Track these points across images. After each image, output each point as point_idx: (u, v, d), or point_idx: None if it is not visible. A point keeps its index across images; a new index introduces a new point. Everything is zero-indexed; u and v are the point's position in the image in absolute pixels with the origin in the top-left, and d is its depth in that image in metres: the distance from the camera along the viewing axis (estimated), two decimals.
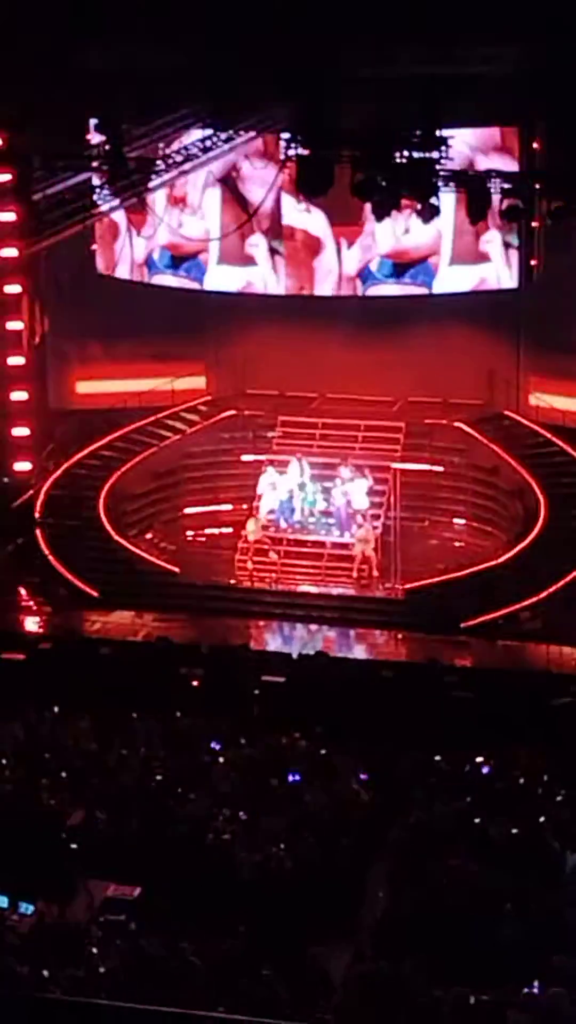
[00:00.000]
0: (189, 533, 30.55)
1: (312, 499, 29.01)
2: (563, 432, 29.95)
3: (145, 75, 24.44)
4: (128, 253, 30.35)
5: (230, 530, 29.75)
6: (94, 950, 15.18)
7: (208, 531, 30.45)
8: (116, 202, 24.58)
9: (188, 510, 31.00)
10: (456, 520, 30.23)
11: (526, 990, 14.50)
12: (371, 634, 26.71)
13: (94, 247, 30.31)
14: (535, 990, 14.47)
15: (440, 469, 30.14)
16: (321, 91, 21.25)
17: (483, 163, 26.67)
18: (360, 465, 29.20)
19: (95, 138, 24.44)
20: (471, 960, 15.38)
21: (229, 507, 30.72)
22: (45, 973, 14.41)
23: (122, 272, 30.57)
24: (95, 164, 22.66)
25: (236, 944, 15.29)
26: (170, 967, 14.78)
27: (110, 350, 31.66)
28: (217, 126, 23.95)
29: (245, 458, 30.64)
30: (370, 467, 29.20)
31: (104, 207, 24.42)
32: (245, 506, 29.56)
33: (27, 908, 16.00)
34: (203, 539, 30.39)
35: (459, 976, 14.72)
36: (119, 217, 29.42)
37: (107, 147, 22.22)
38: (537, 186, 23.75)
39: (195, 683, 22.39)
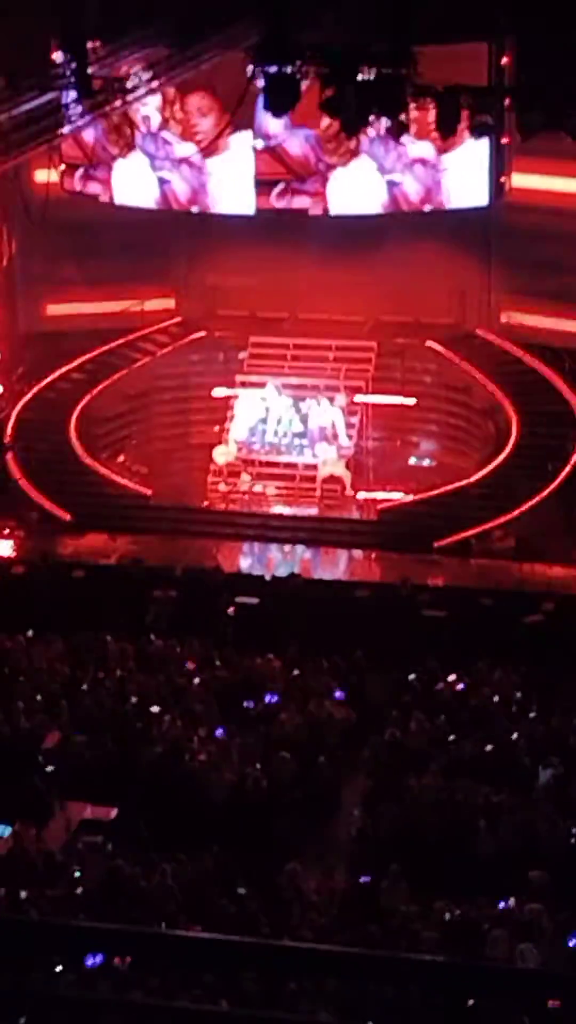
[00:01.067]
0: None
1: (287, 421, 28.91)
2: (534, 350, 29.86)
3: None
4: (96, 173, 29.98)
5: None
6: (72, 872, 15.30)
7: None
8: (83, 121, 24.24)
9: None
10: (423, 443, 30.29)
11: (502, 905, 14.68)
12: (345, 554, 26.72)
13: (62, 167, 29.91)
14: (511, 905, 14.65)
15: (413, 402, 30.12)
16: (287, 7, 20.94)
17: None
18: (332, 385, 29.10)
19: (59, 57, 24.04)
20: (447, 876, 15.54)
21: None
22: (23, 894, 14.53)
23: (90, 192, 30.18)
24: (60, 83, 22.35)
25: (211, 862, 15.41)
26: (146, 887, 14.90)
27: (80, 272, 31.33)
28: (182, 44, 23.60)
29: (216, 392, 30.35)
30: (343, 387, 29.12)
31: (69, 127, 24.07)
32: (217, 427, 29.45)
33: (4, 830, 16.09)
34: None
35: (435, 892, 14.89)
36: (89, 136, 28.99)
37: (72, 66, 21.92)
38: (507, 101, 23.49)
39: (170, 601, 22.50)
